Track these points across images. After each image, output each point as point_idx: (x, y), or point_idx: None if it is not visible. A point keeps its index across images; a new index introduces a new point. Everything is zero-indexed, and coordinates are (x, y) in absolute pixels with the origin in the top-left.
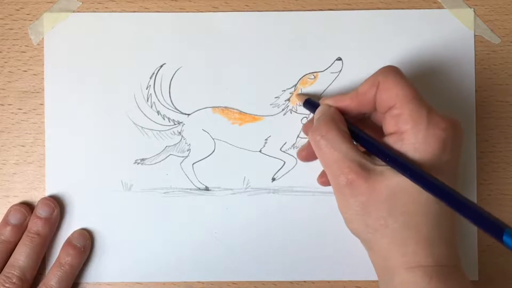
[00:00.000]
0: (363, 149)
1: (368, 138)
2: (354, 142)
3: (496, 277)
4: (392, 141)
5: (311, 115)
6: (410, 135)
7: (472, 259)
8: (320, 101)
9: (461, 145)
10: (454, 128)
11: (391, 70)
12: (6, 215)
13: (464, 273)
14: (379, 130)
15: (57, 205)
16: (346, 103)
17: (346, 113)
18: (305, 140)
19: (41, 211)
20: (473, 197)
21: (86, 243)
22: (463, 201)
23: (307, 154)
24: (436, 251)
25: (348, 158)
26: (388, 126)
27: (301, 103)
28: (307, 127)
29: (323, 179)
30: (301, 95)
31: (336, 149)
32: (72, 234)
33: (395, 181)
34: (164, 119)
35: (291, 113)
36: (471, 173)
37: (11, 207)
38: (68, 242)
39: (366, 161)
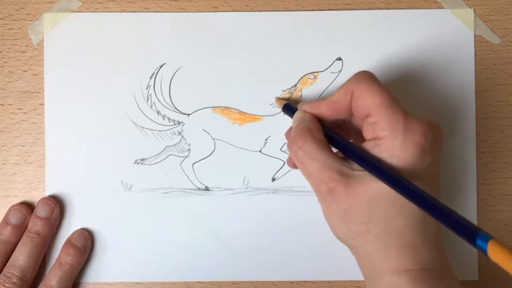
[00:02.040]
0: (341, 155)
1: (344, 143)
2: (332, 148)
3: (496, 277)
4: (370, 147)
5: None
6: (388, 142)
7: (472, 259)
8: (298, 106)
9: (440, 147)
10: (433, 132)
11: (364, 77)
12: (6, 215)
13: (453, 276)
14: (361, 134)
15: (57, 205)
16: (321, 110)
17: (323, 119)
18: None
19: (41, 211)
20: (473, 197)
21: (86, 243)
22: (436, 205)
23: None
24: (420, 255)
25: (327, 166)
26: (366, 132)
27: (280, 108)
28: (288, 135)
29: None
30: (280, 99)
31: (314, 159)
32: (72, 234)
33: (374, 187)
34: (164, 119)
35: None
36: (471, 173)
37: (11, 207)
38: (69, 242)
39: (345, 167)
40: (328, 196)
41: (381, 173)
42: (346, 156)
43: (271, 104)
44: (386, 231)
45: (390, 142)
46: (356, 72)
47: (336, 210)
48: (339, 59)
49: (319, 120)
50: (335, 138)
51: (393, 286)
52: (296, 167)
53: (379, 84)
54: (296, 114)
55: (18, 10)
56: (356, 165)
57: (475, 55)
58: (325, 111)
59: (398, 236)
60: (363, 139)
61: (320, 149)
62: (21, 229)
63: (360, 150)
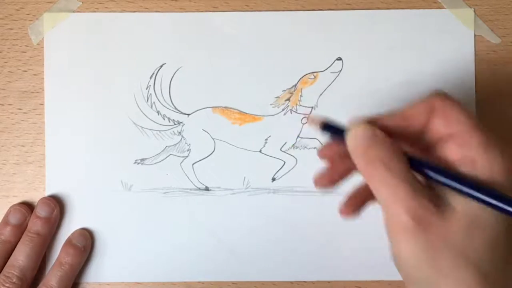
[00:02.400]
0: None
1: (432, 164)
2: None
3: None
4: (459, 167)
5: (311, 116)
6: (484, 162)
7: None
8: (354, 122)
9: None
10: None
11: (446, 95)
12: (6, 215)
13: None
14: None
15: (57, 204)
16: (395, 123)
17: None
18: (306, 141)
19: (41, 211)
20: None
21: (86, 243)
22: None
23: (330, 179)
24: None
25: (417, 191)
26: (450, 153)
27: (318, 127)
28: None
29: (324, 180)
30: (315, 117)
31: (401, 181)
32: (72, 234)
33: (468, 212)
34: (164, 119)
35: (291, 113)
36: None
37: (11, 207)
38: (68, 242)
39: (432, 192)
40: (416, 229)
41: (490, 194)
42: (435, 180)
43: (271, 104)
44: (477, 265)
45: (487, 163)
46: (359, 71)
47: (423, 247)
48: (339, 59)
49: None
50: (421, 161)
51: None
52: (325, 158)
53: (464, 106)
54: (362, 130)
55: (18, 10)
56: (441, 187)
57: (475, 55)
58: (398, 124)
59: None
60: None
61: (408, 169)
62: (20, 229)
63: (455, 172)
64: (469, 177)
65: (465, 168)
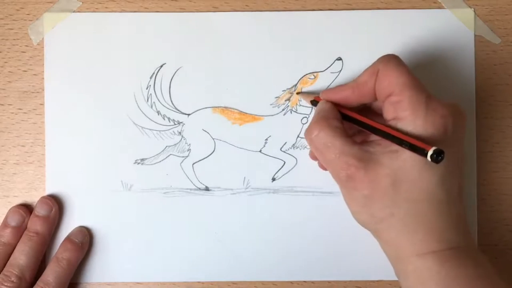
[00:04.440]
0: (359, 141)
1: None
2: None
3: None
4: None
5: (311, 115)
6: (409, 121)
7: None
8: (320, 94)
9: (463, 129)
10: (454, 114)
11: (391, 58)
12: (5, 218)
13: (479, 252)
14: (380, 119)
15: (56, 203)
16: (346, 94)
17: (346, 105)
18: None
19: (40, 210)
20: (473, 197)
21: (84, 240)
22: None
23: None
24: (445, 235)
25: (345, 153)
26: (387, 113)
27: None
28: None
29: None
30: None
31: (330, 147)
32: (71, 231)
33: (394, 168)
34: (164, 119)
35: (291, 113)
36: (471, 173)
37: (10, 209)
38: (67, 238)
39: (363, 152)
40: (348, 183)
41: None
42: (369, 130)
43: (271, 104)
44: (411, 213)
45: (411, 122)
46: (359, 71)
47: (358, 197)
48: (339, 59)
49: (343, 106)
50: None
51: (421, 269)
52: (316, 159)
53: (404, 65)
54: (318, 106)
55: (18, 10)
56: (374, 148)
57: (475, 55)
58: (350, 94)
59: (423, 218)
60: (383, 122)
61: (336, 136)
62: (20, 231)
63: (382, 125)
64: (388, 127)
65: (395, 124)
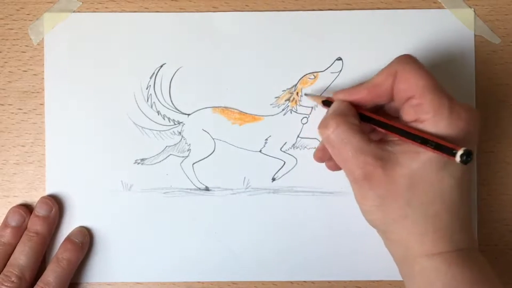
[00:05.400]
0: (376, 139)
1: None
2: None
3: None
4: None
5: (311, 115)
6: (431, 124)
7: None
8: (333, 95)
9: (478, 134)
10: (474, 118)
11: (409, 60)
12: (5, 218)
13: (479, 254)
14: (395, 120)
15: (56, 203)
16: (362, 95)
17: (362, 105)
18: (306, 141)
19: (40, 210)
20: (473, 197)
21: (84, 239)
22: None
23: (323, 155)
24: (455, 237)
25: (362, 151)
26: (408, 115)
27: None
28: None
29: (322, 155)
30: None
31: (347, 144)
32: (71, 231)
33: (413, 169)
34: (164, 119)
35: (291, 113)
36: (471, 173)
37: (10, 209)
38: (67, 238)
39: (381, 151)
40: (364, 182)
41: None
42: (389, 131)
43: (271, 104)
44: (424, 215)
45: (433, 124)
46: (359, 71)
47: (372, 196)
48: (339, 59)
49: (358, 107)
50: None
51: (429, 269)
52: (322, 161)
53: (423, 67)
54: (333, 105)
55: (18, 10)
56: (393, 147)
57: (475, 55)
58: (365, 95)
59: (435, 220)
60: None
61: (354, 133)
62: (20, 231)
63: (403, 125)
64: (409, 127)
65: (415, 126)
